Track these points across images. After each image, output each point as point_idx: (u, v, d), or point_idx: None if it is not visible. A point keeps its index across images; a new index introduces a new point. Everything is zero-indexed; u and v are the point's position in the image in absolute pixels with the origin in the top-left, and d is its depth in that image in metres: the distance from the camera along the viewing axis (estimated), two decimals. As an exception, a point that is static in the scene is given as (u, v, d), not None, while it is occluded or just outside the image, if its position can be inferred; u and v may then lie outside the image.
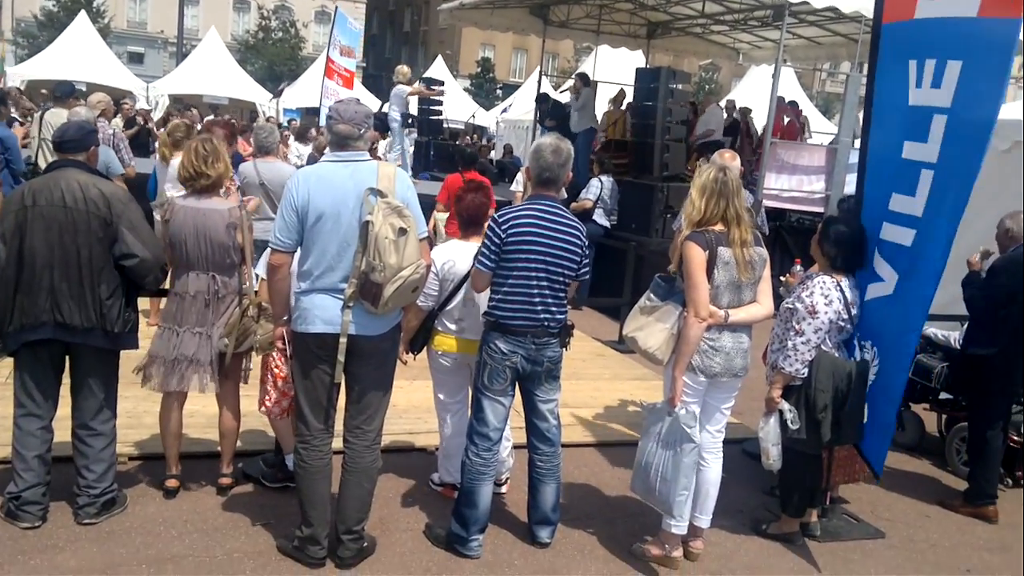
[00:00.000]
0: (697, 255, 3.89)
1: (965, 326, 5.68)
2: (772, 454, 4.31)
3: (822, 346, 4.27)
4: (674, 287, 4.07)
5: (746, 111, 14.30)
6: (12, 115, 15.67)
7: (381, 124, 13.49)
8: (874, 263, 4.44)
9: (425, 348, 4.51)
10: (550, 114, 13.50)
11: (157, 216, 6.75)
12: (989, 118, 3.91)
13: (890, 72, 4.41)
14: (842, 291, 4.29)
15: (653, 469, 4.05)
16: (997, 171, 7.54)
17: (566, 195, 10.94)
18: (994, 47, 3.83)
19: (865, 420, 4.44)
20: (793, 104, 14.69)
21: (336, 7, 18.92)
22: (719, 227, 3.95)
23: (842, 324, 4.31)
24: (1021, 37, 3.79)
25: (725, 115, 13.75)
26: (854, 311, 4.34)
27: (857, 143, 10.78)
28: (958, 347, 5.84)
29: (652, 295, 4.14)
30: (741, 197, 4.01)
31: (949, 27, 4.00)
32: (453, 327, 4.40)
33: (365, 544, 3.95)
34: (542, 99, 14.25)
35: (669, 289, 4.10)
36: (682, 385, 3.98)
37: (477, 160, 10.23)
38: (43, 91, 20.88)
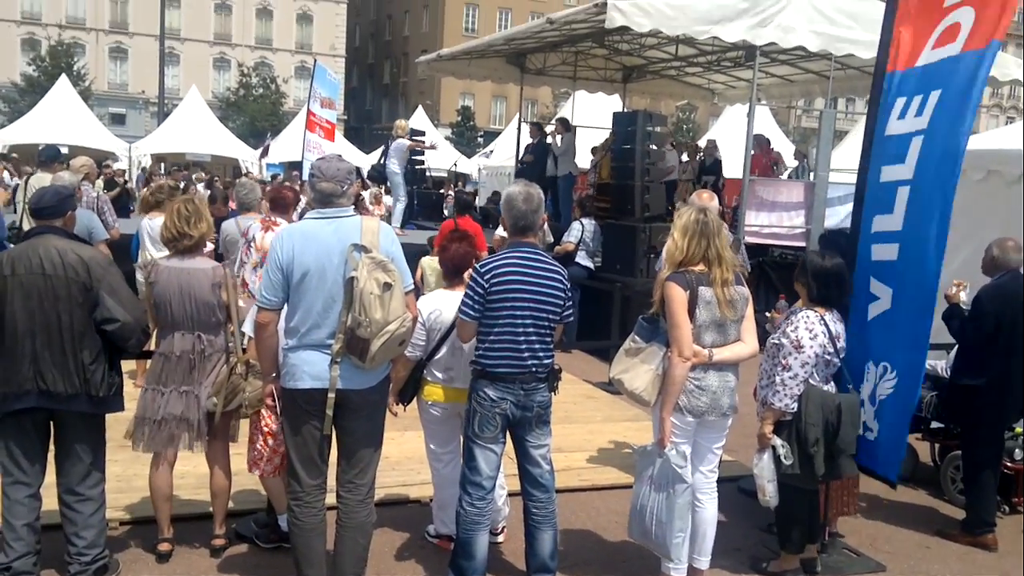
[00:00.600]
0: (678, 295, 3.95)
1: (952, 354, 5.73)
2: (768, 491, 4.30)
3: (810, 380, 4.29)
4: (658, 328, 4.11)
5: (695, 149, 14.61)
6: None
7: (380, 176, 13.61)
8: (870, 286, 4.64)
9: (415, 398, 4.50)
10: (531, 149, 13.64)
11: (140, 277, 6.76)
12: (959, 136, 4.32)
13: (884, 111, 4.73)
14: (826, 324, 4.32)
15: (648, 512, 4.06)
16: (972, 202, 7.67)
17: (552, 239, 11.10)
18: (966, 75, 4.31)
19: (876, 436, 4.55)
20: (764, 140, 14.91)
21: (315, 60, 18.85)
22: (700, 267, 4.00)
23: (828, 358, 4.33)
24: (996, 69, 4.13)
25: (686, 156, 14.03)
26: (840, 344, 4.37)
27: (833, 176, 10.99)
28: (946, 375, 5.87)
29: (636, 337, 4.18)
30: (723, 237, 4.07)
31: (941, 66, 4.45)
32: (441, 376, 4.40)
33: (362, 601, 3.90)
34: (527, 151, 14.30)
35: (652, 330, 4.13)
36: (670, 426, 4.00)
37: (472, 207, 10.35)
38: (13, 156, 20.97)
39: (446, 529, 4.58)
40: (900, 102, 4.62)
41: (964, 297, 5.26)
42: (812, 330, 4.27)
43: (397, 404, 4.45)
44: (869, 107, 4.89)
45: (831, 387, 4.42)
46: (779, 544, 4.63)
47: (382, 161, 15.55)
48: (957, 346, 5.36)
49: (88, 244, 4.16)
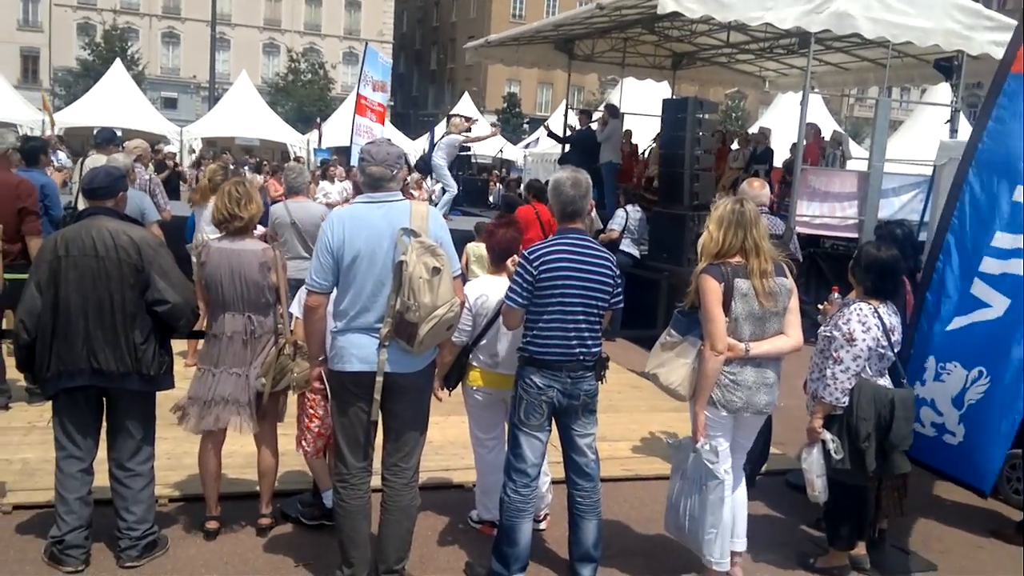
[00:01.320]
0: (713, 287, 3.87)
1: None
2: (817, 486, 4.22)
3: (863, 374, 4.20)
4: (694, 321, 4.03)
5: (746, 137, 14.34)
6: (55, 161, 16.05)
7: (425, 167, 13.66)
8: (977, 290, 4.61)
9: (460, 384, 4.50)
10: (577, 136, 13.54)
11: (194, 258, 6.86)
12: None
13: (1010, 120, 4.62)
14: (880, 318, 4.22)
15: (681, 507, 4.04)
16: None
17: (600, 226, 11.03)
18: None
19: (960, 440, 4.50)
20: (815, 129, 14.64)
21: (366, 44, 18.80)
22: (737, 259, 3.92)
23: (882, 351, 4.23)
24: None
25: (737, 144, 13.82)
26: (895, 337, 4.26)
27: (888, 166, 10.75)
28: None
29: (672, 330, 4.12)
30: (761, 227, 3.98)
31: None
32: (487, 361, 4.39)
33: (405, 584, 3.91)
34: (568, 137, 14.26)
35: (689, 324, 4.05)
36: (704, 420, 3.95)
37: (544, 193, 10.34)
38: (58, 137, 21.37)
39: (489, 515, 4.58)
40: None
41: None
42: (865, 323, 4.18)
43: (442, 389, 4.45)
44: (983, 108, 4.75)
45: (885, 381, 4.32)
46: (828, 540, 4.55)
47: (428, 152, 15.65)
48: None
49: (140, 225, 4.21)
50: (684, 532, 4.06)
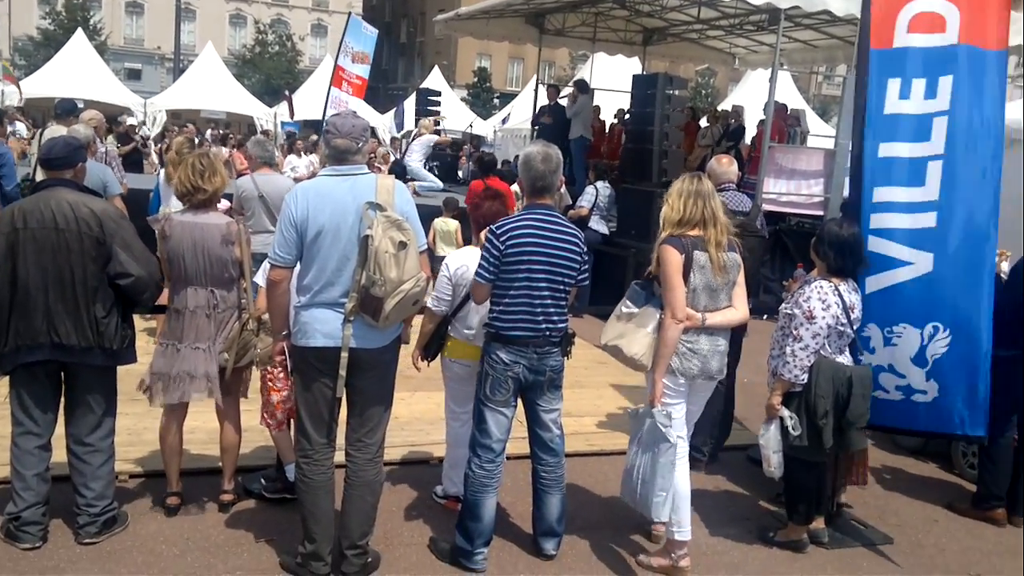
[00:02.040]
0: (674, 258, 3.95)
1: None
2: (773, 461, 4.28)
3: (822, 351, 4.25)
4: (651, 292, 4.11)
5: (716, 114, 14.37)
6: (12, 130, 15.68)
7: (400, 172, 13.52)
8: (888, 250, 4.69)
9: (439, 355, 4.49)
10: (548, 111, 13.51)
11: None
12: (990, 117, 4.68)
13: (876, 89, 4.83)
14: (840, 295, 4.26)
15: (635, 472, 4.06)
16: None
17: (570, 201, 11.00)
18: (979, 66, 4.69)
19: (935, 396, 4.66)
20: (781, 106, 14.69)
21: (349, 13, 18.16)
22: (695, 232, 4.00)
23: (841, 328, 4.27)
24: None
25: (706, 121, 13.84)
26: (854, 315, 4.31)
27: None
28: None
29: (629, 302, 4.16)
30: (716, 201, 4.09)
31: (931, 53, 4.74)
32: (466, 333, 4.37)
33: (369, 559, 3.91)
34: (542, 112, 14.23)
35: (646, 295, 4.13)
36: (662, 387, 4.01)
37: (495, 166, 10.42)
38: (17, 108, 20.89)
39: (455, 489, 4.60)
40: (895, 83, 4.78)
41: (1005, 267, 5.20)
42: (825, 300, 4.22)
43: (422, 359, 4.45)
44: (859, 86, 4.92)
45: (845, 358, 4.37)
46: (787, 515, 4.62)
47: (400, 156, 15.37)
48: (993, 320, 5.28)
49: (100, 197, 4.12)
50: (636, 497, 4.08)
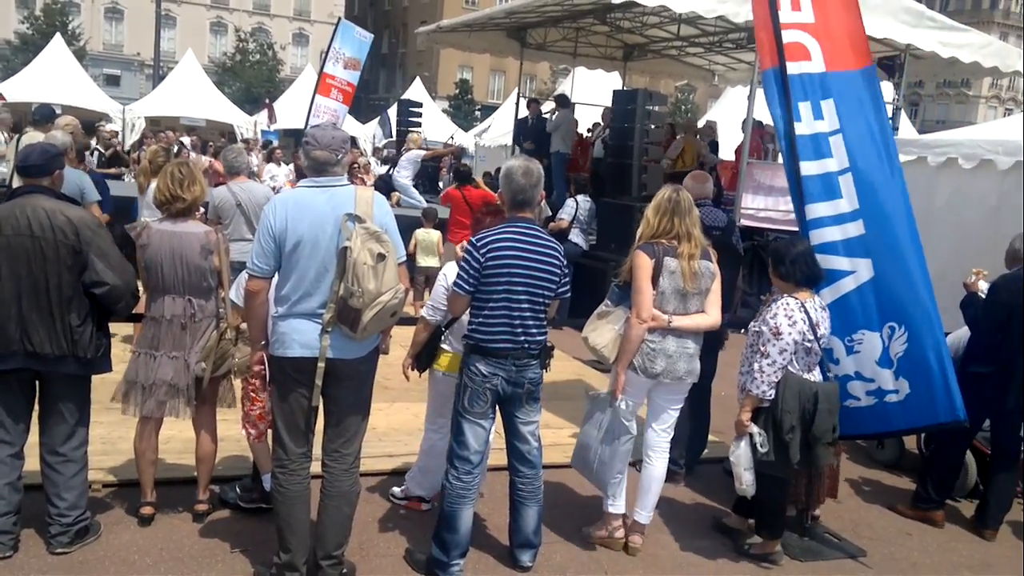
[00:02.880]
0: (644, 263, 4.22)
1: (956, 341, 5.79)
2: (745, 480, 4.32)
3: (791, 368, 4.30)
4: (625, 294, 4.34)
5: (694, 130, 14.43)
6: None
7: (387, 187, 13.49)
8: (837, 264, 4.80)
9: (428, 367, 4.48)
10: (528, 135, 13.54)
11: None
12: (876, 124, 4.91)
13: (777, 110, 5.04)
14: (807, 312, 4.30)
15: (592, 452, 4.36)
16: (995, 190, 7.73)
17: (549, 214, 11.04)
18: (852, 86, 4.94)
19: (907, 393, 4.75)
20: (756, 123, 14.79)
21: (340, 18, 17.54)
22: (667, 241, 4.26)
23: (808, 345, 4.32)
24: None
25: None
26: (820, 331, 4.35)
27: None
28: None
29: (608, 301, 4.45)
30: (693, 215, 4.31)
31: (808, 80, 4.96)
32: (459, 347, 4.35)
33: (344, 570, 3.89)
34: (521, 130, 14.19)
35: (622, 295, 4.37)
36: (623, 381, 4.27)
37: (471, 176, 10.55)
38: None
39: (420, 490, 4.66)
40: (803, 105, 4.97)
41: (983, 286, 5.29)
42: (791, 317, 4.27)
43: (412, 369, 4.46)
44: (786, 110, 5.02)
45: (815, 375, 4.41)
46: (756, 530, 4.66)
47: (390, 172, 15.11)
48: (970, 334, 5.37)
49: (77, 204, 4.09)
50: (592, 472, 4.41)
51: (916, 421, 4.87)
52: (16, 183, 7.33)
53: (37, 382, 3.96)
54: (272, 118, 25.95)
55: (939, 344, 4.74)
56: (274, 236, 3.57)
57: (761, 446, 4.26)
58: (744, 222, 10.15)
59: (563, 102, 13.60)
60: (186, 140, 21.15)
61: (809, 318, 4.29)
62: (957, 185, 7.93)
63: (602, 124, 13.62)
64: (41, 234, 3.77)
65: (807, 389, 4.28)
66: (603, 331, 4.35)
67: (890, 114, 12.02)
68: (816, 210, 4.86)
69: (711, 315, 4.33)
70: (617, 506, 4.51)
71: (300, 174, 7.84)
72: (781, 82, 4.84)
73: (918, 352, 4.72)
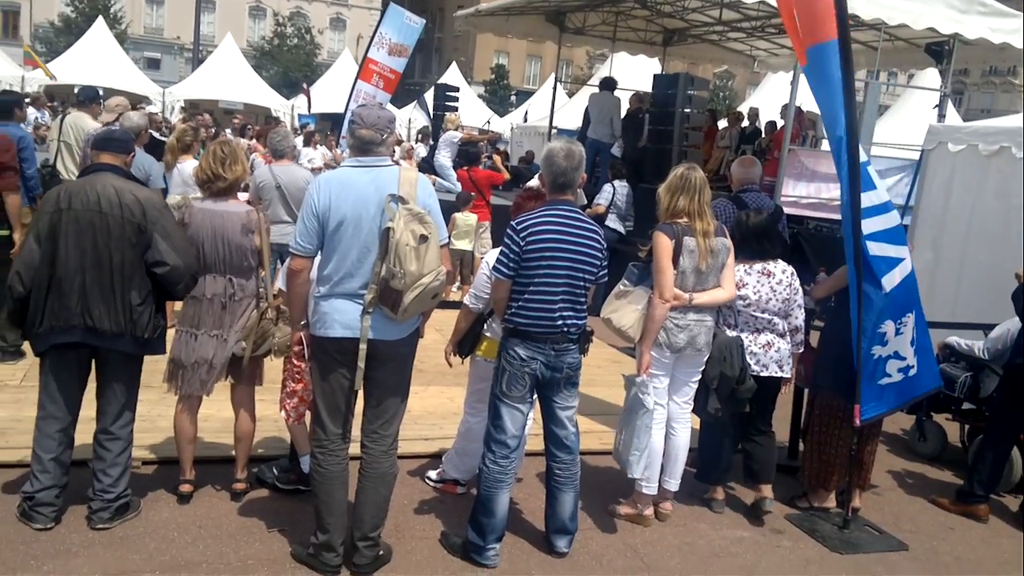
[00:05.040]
0: (664, 243, 4.29)
1: (992, 334, 5.67)
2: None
3: (722, 326, 4.70)
4: (645, 273, 4.44)
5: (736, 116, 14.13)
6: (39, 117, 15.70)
7: (429, 168, 13.46)
8: (889, 252, 4.69)
9: (471, 353, 4.49)
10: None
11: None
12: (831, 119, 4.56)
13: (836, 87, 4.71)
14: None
15: (619, 433, 4.44)
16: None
17: (584, 201, 10.94)
18: (819, 66, 4.58)
19: (916, 368, 4.82)
20: (797, 110, 14.52)
21: (388, 3, 16.68)
22: (685, 220, 4.32)
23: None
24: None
25: (725, 123, 13.61)
26: (740, 292, 4.66)
27: (874, 150, 10.73)
28: (983, 356, 5.77)
29: (626, 280, 4.48)
30: (705, 194, 4.39)
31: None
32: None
33: (381, 552, 3.90)
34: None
35: (640, 275, 4.46)
36: (649, 359, 4.37)
37: (479, 159, 10.69)
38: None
39: (456, 473, 4.67)
40: None
41: None
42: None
43: (454, 355, 4.46)
44: (845, 88, 4.60)
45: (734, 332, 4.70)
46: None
47: (429, 153, 14.92)
48: (1020, 326, 5.24)
49: (145, 185, 4.15)
50: (618, 454, 4.46)
51: (920, 390, 4.98)
52: (60, 163, 7.45)
53: (94, 361, 4.00)
54: (308, 103, 26.01)
55: (921, 311, 4.87)
56: (317, 215, 3.56)
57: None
58: (788, 209, 9.99)
59: (610, 85, 13.21)
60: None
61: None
62: (1008, 174, 7.71)
63: (630, 108, 13.34)
64: (109, 210, 3.81)
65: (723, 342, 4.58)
66: (626, 312, 4.39)
67: (936, 101, 11.82)
68: (867, 199, 4.68)
69: (727, 289, 4.48)
70: (650, 487, 4.54)
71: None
72: (843, 56, 4.45)
73: (922, 325, 4.85)
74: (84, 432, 4.08)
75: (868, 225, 4.59)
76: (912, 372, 4.81)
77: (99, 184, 3.86)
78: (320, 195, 3.57)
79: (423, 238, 3.46)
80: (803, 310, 4.87)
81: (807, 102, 18.65)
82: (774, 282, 4.73)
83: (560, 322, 3.93)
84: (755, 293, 4.71)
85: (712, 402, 4.61)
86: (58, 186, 4.09)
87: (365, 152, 3.64)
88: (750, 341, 4.72)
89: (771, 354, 4.75)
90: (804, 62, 4.66)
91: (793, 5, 4.69)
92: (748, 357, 4.67)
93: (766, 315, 4.73)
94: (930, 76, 16.63)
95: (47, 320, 3.82)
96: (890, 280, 4.62)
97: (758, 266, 4.74)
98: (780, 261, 4.81)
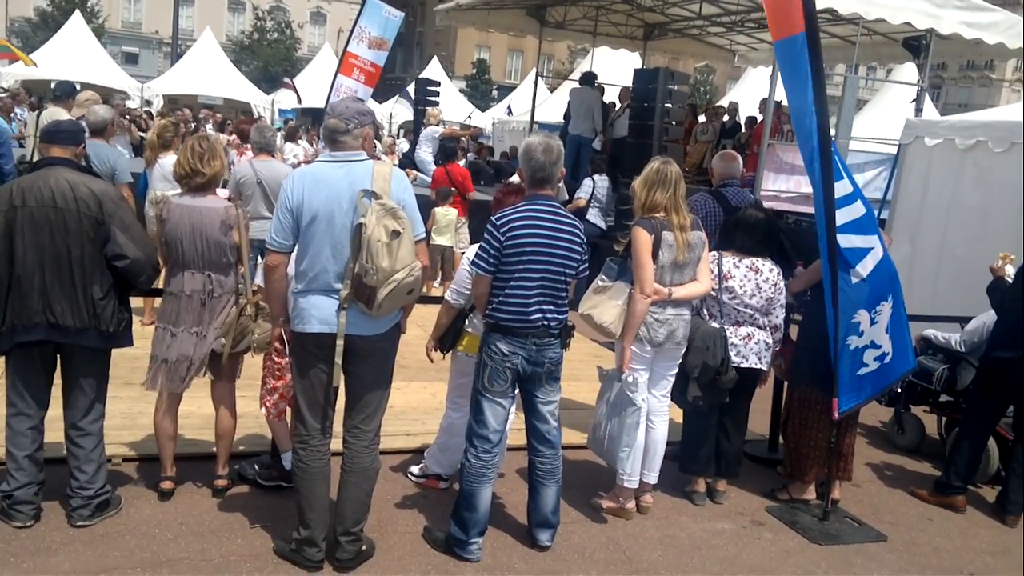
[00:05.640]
0: (644, 238, 4.30)
1: (968, 327, 5.71)
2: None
3: (701, 315, 4.78)
4: (624, 268, 4.42)
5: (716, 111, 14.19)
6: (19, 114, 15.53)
7: (410, 164, 13.42)
8: (855, 242, 4.70)
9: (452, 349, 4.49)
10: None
11: (151, 213, 6.70)
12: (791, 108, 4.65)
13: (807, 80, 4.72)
14: (720, 265, 4.73)
15: (602, 428, 4.46)
16: (1000, 172, 7.59)
17: (566, 196, 10.97)
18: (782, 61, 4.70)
19: (891, 354, 4.83)
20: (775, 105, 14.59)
21: None
22: (662, 214, 4.35)
23: (713, 294, 4.71)
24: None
25: (704, 118, 13.66)
26: (726, 284, 4.73)
27: (852, 144, 10.79)
28: (959, 348, 5.83)
29: (604, 276, 4.46)
30: (680, 187, 4.42)
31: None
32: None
33: (363, 547, 3.90)
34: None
35: (619, 270, 4.44)
36: (630, 355, 4.39)
37: (455, 155, 10.77)
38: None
39: (438, 468, 4.68)
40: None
41: (1010, 270, 5.23)
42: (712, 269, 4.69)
43: (435, 351, 4.46)
44: (815, 80, 4.62)
45: (715, 323, 4.75)
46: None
47: (410, 148, 14.89)
48: (996, 319, 5.30)
49: (99, 179, 4.09)
50: (602, 448, 4.50)
51: (896, 375, 4.99)
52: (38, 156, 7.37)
53: (58, 356, 3.97)
54: (297, 95, 25.82)
55: (900, 296, 4.87)
56: (291, 210, 3.55)
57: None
58: (767, 204, 10.04)
59: (590, 80, 13.26)
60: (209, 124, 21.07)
61: (720, 271, 4.72)
62: (985, 168, 7.79)
63: (618, 104, 13.39)
64: (64, 205, 3.77)
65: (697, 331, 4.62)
66: (606, 307, 4.38)
67: (913, 96, 11.91)
68: (838, 189, 4.69)
69: (703, 282, 4.53)
70: (631, 480, 4.57)
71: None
72: (810, 49, 4.47)
73: (898, 310, 4.85)
74: (56, 430, 4.04)
75: (837, 216, 4.62)
76: (887, 359, 4.85)
77: (52, 178, 3.80)
78: (294, 190, 3.56)
79: (395, 233, 3.44)
80: (784, 310, 4.90)
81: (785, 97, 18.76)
82: (760, 279, 4.76)
83: (541, 316, 3.93)
84: (741, 287, 4.74)
85: (692, 390, 4.64)
86: (10, 182, 4.04)
87: (334, 143, 3.63)
88: (731, 333, 4.75)
89: (751, 346, 4.78)
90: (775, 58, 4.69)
91: (765, 2, 4.74)
92: (729, 348, 4.70)
93: (748, 309, 4.77)
94: (908, 71, 16.77)
95: (8, 318, 3.78)
96: (863, 268, 4.66)
97: (747, 261, 4.78)
98: (768, 260, 4.84)
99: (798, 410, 5.04)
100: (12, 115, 15.61)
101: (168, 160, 6.89)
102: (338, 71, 14.37)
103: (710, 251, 4.67)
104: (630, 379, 4.35)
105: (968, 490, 5.32)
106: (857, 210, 4.72)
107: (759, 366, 4.82)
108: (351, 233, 3.50)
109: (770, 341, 4.87)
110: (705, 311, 4.79)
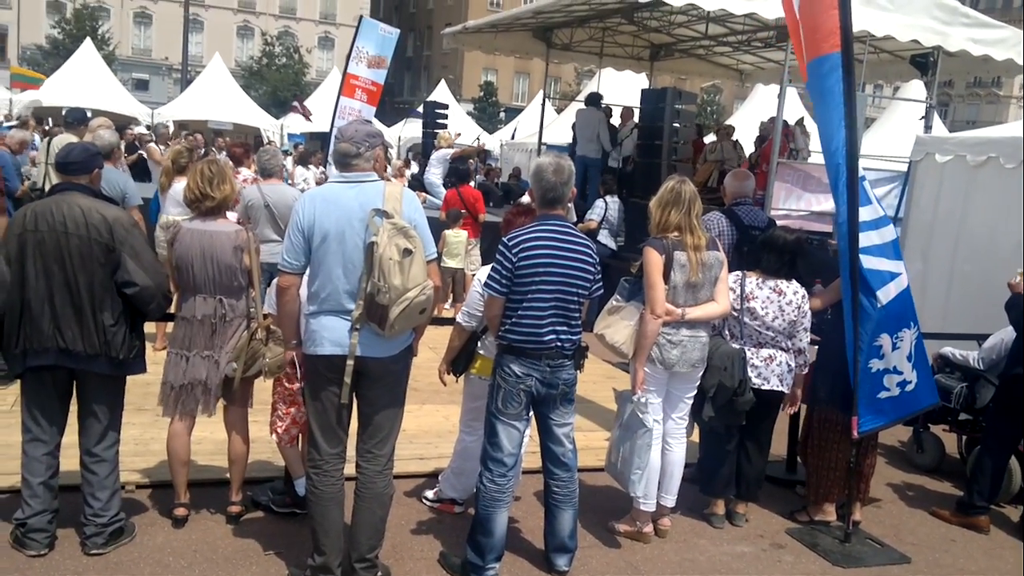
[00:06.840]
0: (655, 259, 4.25)
1: (985, 344, 5.64)
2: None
3: (724, 335, 4.76)
4: (637, 288, 4.38)
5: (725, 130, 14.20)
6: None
7: (419, 186, 13.47)
8: (882, 266, 4.70)
9: (465, 372, 4.45)
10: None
11: (161, 237, 6.71)
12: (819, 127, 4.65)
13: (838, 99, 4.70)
14: (742, 285, 4.72)
15: (616, 451, 4.40)
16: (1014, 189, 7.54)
17: (574, 217, 10.96)
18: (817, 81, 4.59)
19: (915, 382, 4.81)
20: (783, 123, 14.57)
21: (360, 17, 16.75)
22: (676, 234, 4.28)
23: (735, 314, 4.69)
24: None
25: (714, 137, 13.65)
26: (747, 304, 4.70)
27: (862, 162, 10.76)
28: (977, 367, 5.76)
29: (618, 296, 4.43)
30: (696, 207, 4.36)
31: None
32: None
33: (379, 573, 3.84)
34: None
35: (633, 290, 4.39)
36: (643, 376, 4.32)
37: (468, 177, 11.25)
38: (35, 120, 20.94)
39: (453, 492, 4.63)
40: None
41: None
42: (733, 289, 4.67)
43: (448, 373, 4.43)
44: (847, 100, 4.58)
45: (736, 343, 4.73)
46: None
47: (419, 171, 14.91)
48: (1015, 336, 5.23)
49: (114, 204, 4.08)
50: (617, 472, 4.41)
51: (920, 405, 4.97)
52: (54, 181, 7.40)
53: (74, 382, 3.95)
54: (307, 116, 25.92)
55: (919, 331, 4.88)
56: (303, 231, 3.54)
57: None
58: (778, 223, 10.01)
59: (595, 101, 13.32)
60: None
61: (743, 291, 4.69)
62: (996, 185, 7.75)
63: (620, 124, 13.41)
64: (75, 231, 3.76)
65: (723, 350, 4.61)
66: (619, 328, 4.34)
67: (922, 113, 11.88)
68: (862, 213, 4.67)
69: (721, 304, 4.42)
70: (648, 504, 4.51)
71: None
72: (845, 68, 4.43)
73: (920, 342, 4.84)
74: (71, 457, 4.02)
75: (862, 239, 4.58)
76: (910, 387, 4.80)
77: (65, 204, 3.80)
78: (305, 211, 3.55)
79: (407, 252, 3.43)
80: (808, 334, 4.81)
81: (793, 115, 18.81)
82: (784, 302, 4.70)
83: (555, 337, 3.90)
84: (763, 309, 4.69)
85: (706, 410, 4.60)
86: (25, 206, 4.04)
87: (345, 166, 3.62)
88: (752, 354, 4.70)
89: (772, 367, 4.72)
90: (807, 79, 4.64)
91: (799, 22, 4.68)
92: (749, 370, 4.65)
93: (770, 332, 4.71)
94: (915, 88, 16.76)
95: (21, 342, 3.78)
96: (885, 294, 4.62)
97: (771, 283, 4.72)
98: (794, 282, 4.77)
99: (818, 431, 4.98)
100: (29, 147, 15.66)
101: (181, 185, 6.90)
102: (340, 93, 14.41)
103: (729, 271, 4.61)
104: (642, 400, 4.29)
105: (991, 510, 5.24)
106: (887, 234, 4.71)
107: (780, 388, 4.76)
108: (363, 252, 3.49)
109: (793, 364, 4.79)
110: (727, 331, 4.75)
